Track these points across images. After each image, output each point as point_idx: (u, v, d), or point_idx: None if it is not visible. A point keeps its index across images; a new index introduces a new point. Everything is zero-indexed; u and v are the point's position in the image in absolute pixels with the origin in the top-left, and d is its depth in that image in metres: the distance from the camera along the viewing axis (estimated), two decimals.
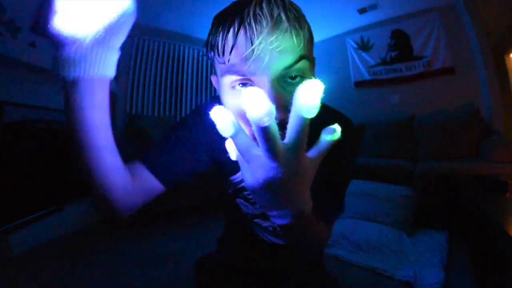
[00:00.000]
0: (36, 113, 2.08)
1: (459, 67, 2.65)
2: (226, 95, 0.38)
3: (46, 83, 2.16)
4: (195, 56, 3.42)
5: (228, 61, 0.35)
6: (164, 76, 3.22)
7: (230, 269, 0.66)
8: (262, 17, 0.32)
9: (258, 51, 0.32)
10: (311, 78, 0.36)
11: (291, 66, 0.34)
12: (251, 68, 0.33)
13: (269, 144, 0.25)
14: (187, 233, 1.93)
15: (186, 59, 3.37)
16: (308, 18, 0.38)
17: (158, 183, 0.49)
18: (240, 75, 0.35)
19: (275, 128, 0.24)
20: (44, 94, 2.14)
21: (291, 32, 0.33)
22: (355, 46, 3.26)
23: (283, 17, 0.33)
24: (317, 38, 3.50)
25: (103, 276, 1.38)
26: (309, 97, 0.22)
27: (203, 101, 0.66)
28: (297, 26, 0.34)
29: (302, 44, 0.35)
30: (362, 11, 2.90)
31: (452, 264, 1.34)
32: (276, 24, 0.32)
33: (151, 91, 3.11)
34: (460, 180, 1.55)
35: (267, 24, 0.32)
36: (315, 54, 0.43)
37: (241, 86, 0.36)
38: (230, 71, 0.35)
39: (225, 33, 0.35)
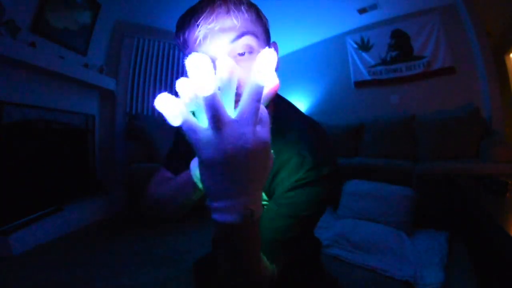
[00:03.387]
0: (36, 113, 2.08)
1: (459, 67, 2.65)
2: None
3: (46, 83, 2.16)
4: None
5: (187, 45, 0.41)
6: (164, 76, 3.22)
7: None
8: (205, 4, 0.40)
9: (203, 31, 0.38)
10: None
11: (234, 40, 0.39)
12: (202, 46, 0.39)
13: (213, 114, 0.24)
14: (187, 233, 1.93)
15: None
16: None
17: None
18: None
19: (219, 98, 0.24)
20: (44, 94, 2.14)
21: (228, 13, 0.39)
22: (355, 46, 3.26)
23: (221, 2, 0.39)
24: (317, 38, 3.53)
25: (103, 276, 1.38)
26: (264, 64, 0.24)
27: None
28: (234, 8, 0.39)
29: (242, 23, 0.40)
30: (362, 11, 2.90)
31: (452, 264, 1.34)
32: (214, 8, 0.39)
33: (151, 91, 3.12)
34: (460, 180, 1.55)
35: (207, 9, 0.39)
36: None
37: None
38: (189, 51, 0.41)
39: (182, 24, 0.42)
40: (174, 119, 0.25)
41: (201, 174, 0.27)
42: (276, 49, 0.48)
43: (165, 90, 3.20)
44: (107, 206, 2.45)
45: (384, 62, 3.07)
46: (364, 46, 3.20)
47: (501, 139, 2.06)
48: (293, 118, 0.52)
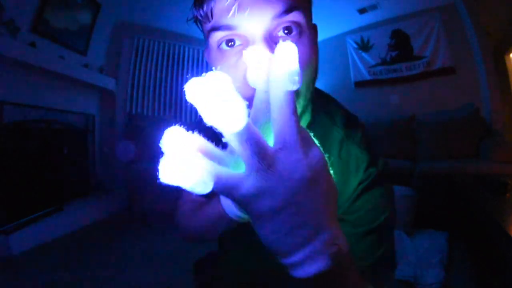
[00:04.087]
0: (36, 113, 2.08)
1: (459, 67, 2.65)
2: (213, 59, 0.34)
3: (46, 83, 2.16)
4: (195, 56, 3.42)
5: (212, 16, 0.31)
6: (164, 76, 3.22)
7: (230, 269, 0.65)
8: None
9: None
10: (310, 45, 0.35)
11: (280, 15, 0.30)
12: (235, 18, 0.29)
13: (255, 151, 0.18)
14: None
15: (186, 59, 3.37)
16: None
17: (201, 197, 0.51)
18: (224, 29, 0.30)
19: (255, 128, 0.18)
20: (44, 94, 2.14)
21: None
22: (355, 46, 3.26)
23: None
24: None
25: (103, 276, 1.38)
26: (288, 62, 0.18)
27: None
28: None
29: None
30: (362, 11, 2.90)
31: (452, 264, 1.34)
32: None
33: (151, 91, 3.12)
34: (460, 180, 1.55)
35: None
36: None
37: (228, 46, 0.32)
38: (214, 26, 0.31)
39: None
40: (204, 186, 0.17)
41: (259, 231, 0.20)
42: (317, 33, 0.41)
43: (165, 90, 3.20)
44: (107, 206, 2.45)
45: (384, 62, 3.06)
46: (364, 46, 3.20)
47: (501, 139, 2.06)
48: (333, 113, 0.45)
